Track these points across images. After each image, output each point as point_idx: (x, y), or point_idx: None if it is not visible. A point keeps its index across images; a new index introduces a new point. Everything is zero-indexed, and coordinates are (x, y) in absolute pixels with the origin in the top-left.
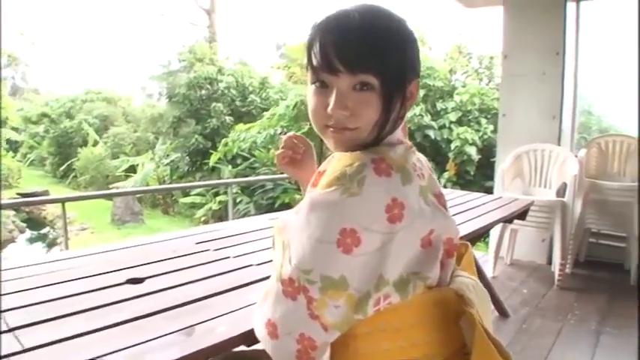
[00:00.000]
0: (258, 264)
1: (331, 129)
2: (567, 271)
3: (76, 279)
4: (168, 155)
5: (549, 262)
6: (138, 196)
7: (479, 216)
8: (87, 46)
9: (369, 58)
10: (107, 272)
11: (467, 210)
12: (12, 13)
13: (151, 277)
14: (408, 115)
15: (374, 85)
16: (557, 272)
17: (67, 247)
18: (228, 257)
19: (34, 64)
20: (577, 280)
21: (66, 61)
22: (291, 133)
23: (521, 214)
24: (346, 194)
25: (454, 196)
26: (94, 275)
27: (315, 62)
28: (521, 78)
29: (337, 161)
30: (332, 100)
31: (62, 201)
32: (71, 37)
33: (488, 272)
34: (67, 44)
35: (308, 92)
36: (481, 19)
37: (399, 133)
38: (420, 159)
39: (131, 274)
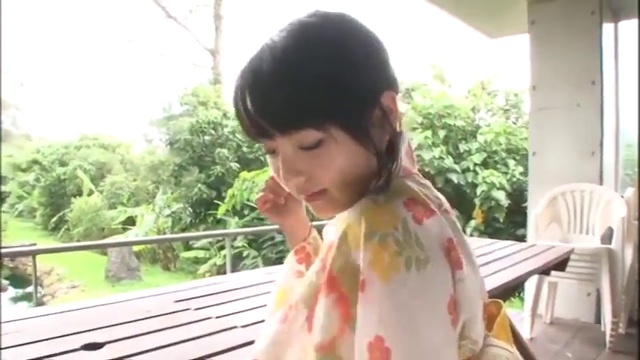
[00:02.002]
0: (244, 326)
1: (303, 196)
2: (620, 331)
3: (22, 344)
4: (169, 206)
5: (597, 320)
6: (135, 250)
7: (509, 267)
8: (83, 89)
9: (296, 110)
10: (61, 336)
11: (494, 260)
12: None
13: (112, 341)
14: (426, 157)
15: (322, 137)
16: (608, 332)
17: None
18: (210, 318)
19: (26, 108)
20: (633, 341)
21: (60, 105)
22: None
23: (560, 264)
24: (422, 266)
25: (479, 244)
26: (46, 339)
27: (242, 127)
28: (553, 111)
29: (359, 224)
30: (280, 168)
31: (33, 253)
32: (66, 78)
33: (525, 333)
34: (62, 86)
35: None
36: (506, 52)
37: (405, 162)
38: (438, 196)
39: (89, 338)
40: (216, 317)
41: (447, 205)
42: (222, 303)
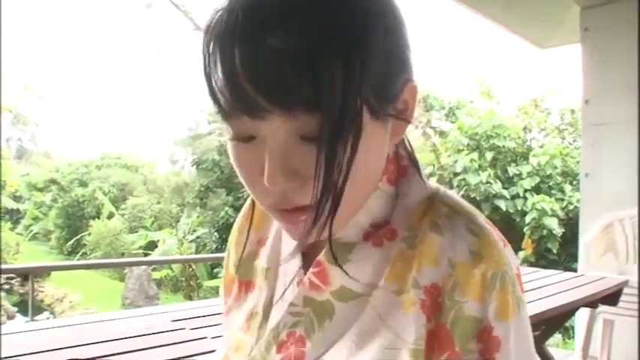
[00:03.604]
0: None
1: (278, 212)
2: None
3: (10, 357)
4: (194, 230)
5: None
6: (156, 277)
7: (546, 297)
8: (106, 105)
9: (317, 74)
10: (44, 351)
11: (531, 290)
12: (14, 64)
13: (100, 357)
14: (472, 182)
15: None
16: None
17: None
18: (205, 338)
19: (45, 124)
20: None
21: (82, 122)
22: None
23: (610, 298)
24: (522, 303)
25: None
26: (34, 352)
27: (221, 100)
28: (608, 127)
29: (473, 265)
30: (265, 163)
31: (30, 272)
32: (89, 94)
33: None
34: (84, 102)
35: (228, 149)
36: (560, 65)
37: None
38: None
39: (74, 354)
40: (212, 338)
41: None
42: (219, 324)
